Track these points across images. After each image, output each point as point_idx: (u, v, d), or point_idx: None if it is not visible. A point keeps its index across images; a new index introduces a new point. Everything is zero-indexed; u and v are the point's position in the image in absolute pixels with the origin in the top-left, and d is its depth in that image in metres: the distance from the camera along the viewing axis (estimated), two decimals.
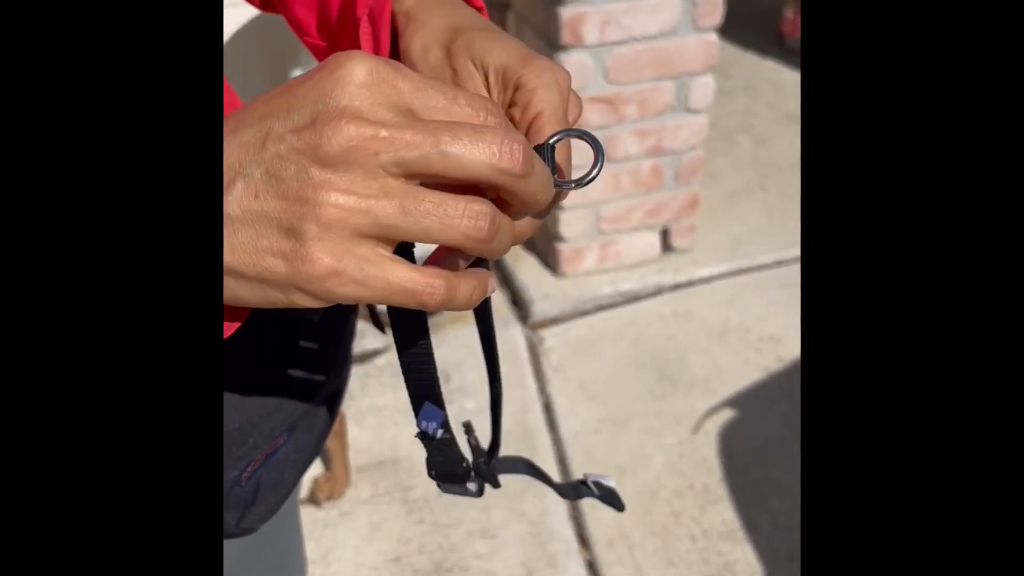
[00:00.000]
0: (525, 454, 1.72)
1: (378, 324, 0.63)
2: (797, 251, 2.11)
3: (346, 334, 0.60)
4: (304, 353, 0.55)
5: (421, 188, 0.30)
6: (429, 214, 0.30)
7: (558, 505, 1.62)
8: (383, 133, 0.29)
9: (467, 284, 0.32)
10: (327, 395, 0.58)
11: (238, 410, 0.51)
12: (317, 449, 0.59)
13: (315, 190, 0.29)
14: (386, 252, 0.30)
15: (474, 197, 0.31)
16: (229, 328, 0.35)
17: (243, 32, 1.51)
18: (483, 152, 0.30)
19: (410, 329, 0.39)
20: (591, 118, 1.85)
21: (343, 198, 0.29)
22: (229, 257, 0.30)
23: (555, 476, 1.67)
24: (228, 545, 0.66)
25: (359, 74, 0.29)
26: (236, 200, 0.30)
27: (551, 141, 0.38)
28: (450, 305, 0.32)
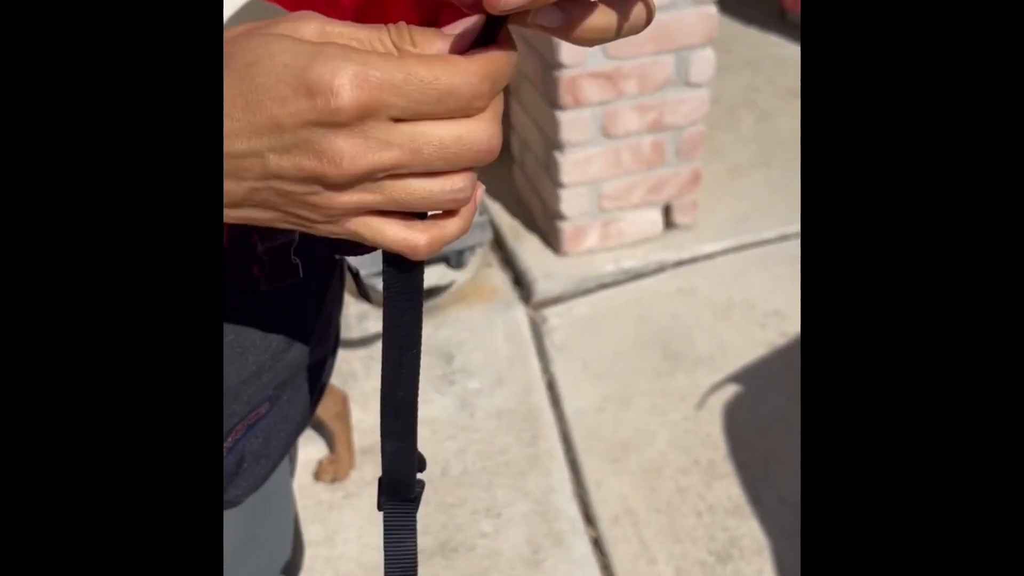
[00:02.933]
0: (529, 434, 1.72)
1: (364, 294, 0.62)
2: None
3: (327, 301, 0.59)
4: (280, 319, 0.54)
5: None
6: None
7: (563, 484, 1.61)
8: (378, 168, 0.32)
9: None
10: (310, 365, 0.57)
11: None
12: (304, 421, 0.58)
13: (331, 205, 0.33)
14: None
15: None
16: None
17: (239, 18, 1.50)
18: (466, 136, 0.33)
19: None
20: (590, 93, 1.83)
21: (352, 203, 0.33)
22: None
23: (560, 455, 1.66)
24: (225, 536, 0.65)
25: (343, 105, 0.30)
26: (248, 196, 0.34)
27: None
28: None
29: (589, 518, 1.57)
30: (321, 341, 0.58)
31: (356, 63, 0.30)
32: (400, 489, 0.48)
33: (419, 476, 0.50)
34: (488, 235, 2.11)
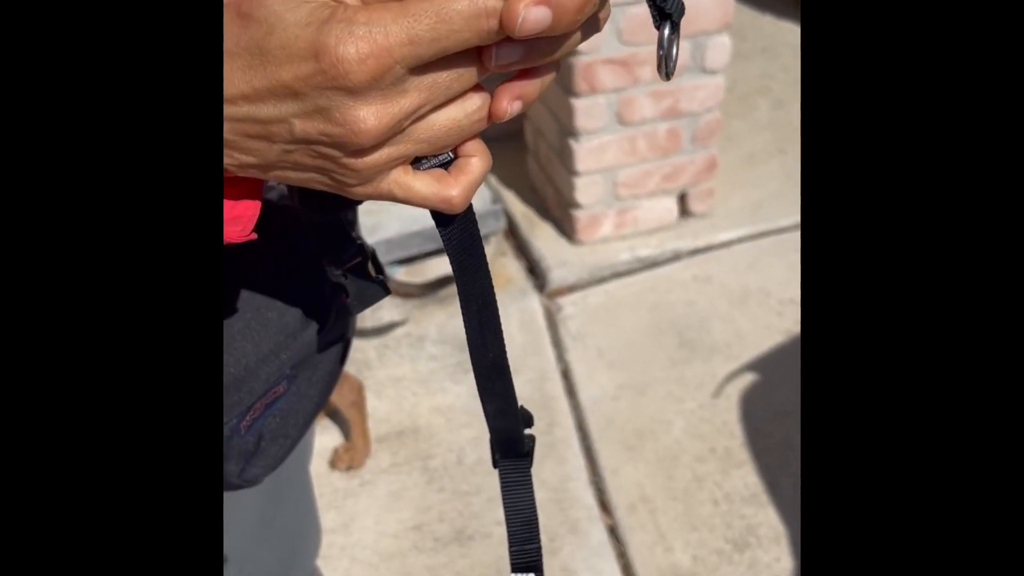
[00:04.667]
0: (544, 422, 1.72)
1: (380, 270, 0.63)
2: None
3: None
4: (297, 299, 0.54)
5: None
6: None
7: (579, 472, 1.61)
8: (402, 117, 0.32)
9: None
10: (327, 345, 0.57)
11: (231, 355, 0.50)
12: (321, 401, 0.58)
13: (362, 167, 0.34)
14: (408, 169, 0.36)
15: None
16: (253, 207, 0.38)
17: None
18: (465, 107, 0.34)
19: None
20: (605, 80, 1.82)
21: (383, 159, 0.34)
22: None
23: (575, 443, 1.66)
24: (240, 509, 0.65)
25: (352, 70, 0.31)
26: (282, 158, 0.34)
27: None
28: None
29: (605, 506, 1.56)
30: (337, 321, 0.58)
31: (360, 25, 0.30)
32: (511, 446, 0.50)
33: (528, 431, 0.51)
34: (502, 224, 2.11)
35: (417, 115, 0.33)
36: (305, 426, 0.58)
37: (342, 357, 0.61)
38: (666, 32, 0.36)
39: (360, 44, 0.30)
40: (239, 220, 0.38)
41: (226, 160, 0.34)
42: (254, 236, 0.39)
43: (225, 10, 0.32)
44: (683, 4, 0.36)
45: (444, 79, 0.32)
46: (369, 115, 0.31)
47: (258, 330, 0.51)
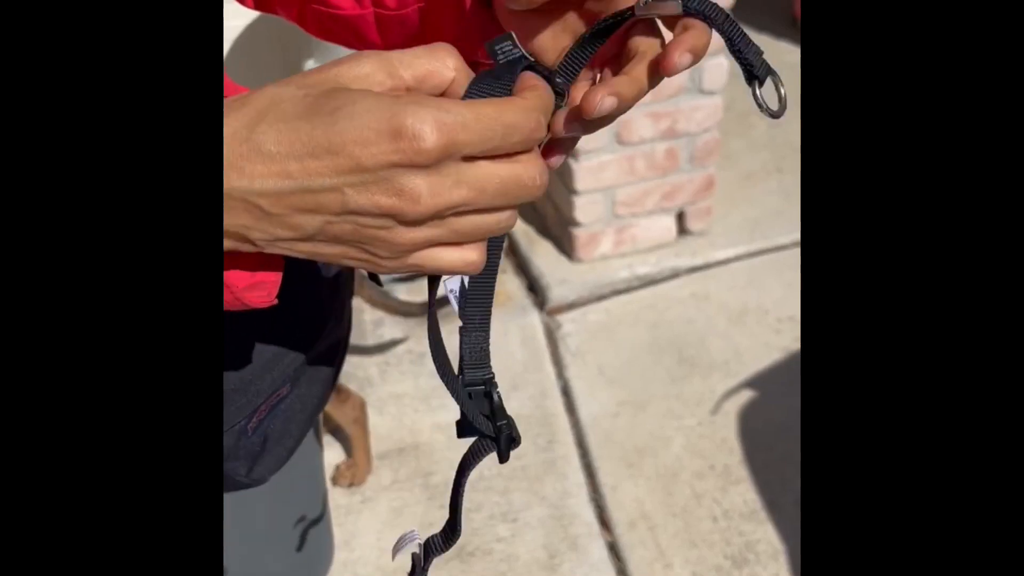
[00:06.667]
0: (544, 438, 1.73)
1: (375, 278, 0.65)
2: None
3: (340, 286, 0.62)
4: (299, 304, 0.56)
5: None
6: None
7: (579, 488, 1.62)
8: (451, 206, 0.34)
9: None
10: (326, 348, 0.60)
11: (237, 360, 0.53)
12: (322, 402, 0.61)
13: (401, 241, 0.35)
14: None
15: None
16: (276, 277, 0.39)
17: (255, 24, 1.51)
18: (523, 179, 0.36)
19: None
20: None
21: (420, 238, 0.36)
22: (317, 257, 0.37)
23: (575, 459, 1.67)
24: (248, 512, 0.67)
25: (426, 148, 0.33)
26: (322, 230, 0.35)
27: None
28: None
29: (605, 523, 1.57)
30: (336, 324, 0.61)
31: (433, 108, 0.33)
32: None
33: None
34: (502, 242, 2.13)
35: (459, 210, 0.35)
36: (307, 426, 0.61)
37: (340, 357, 0.64)
38: (758, 91, 0.42)
39: (435, 124, 0.33)
40: (262, 286, 0.39)
41: (257, 235, 0.35)
42: (276, 301, 0.40)
43: (305, 88, 0.35)
44: (767, 65, 0.41)
45: (491, 190, 0.35)
46: (424, 189, 0.33)
47: (261, 336, 0.54)
